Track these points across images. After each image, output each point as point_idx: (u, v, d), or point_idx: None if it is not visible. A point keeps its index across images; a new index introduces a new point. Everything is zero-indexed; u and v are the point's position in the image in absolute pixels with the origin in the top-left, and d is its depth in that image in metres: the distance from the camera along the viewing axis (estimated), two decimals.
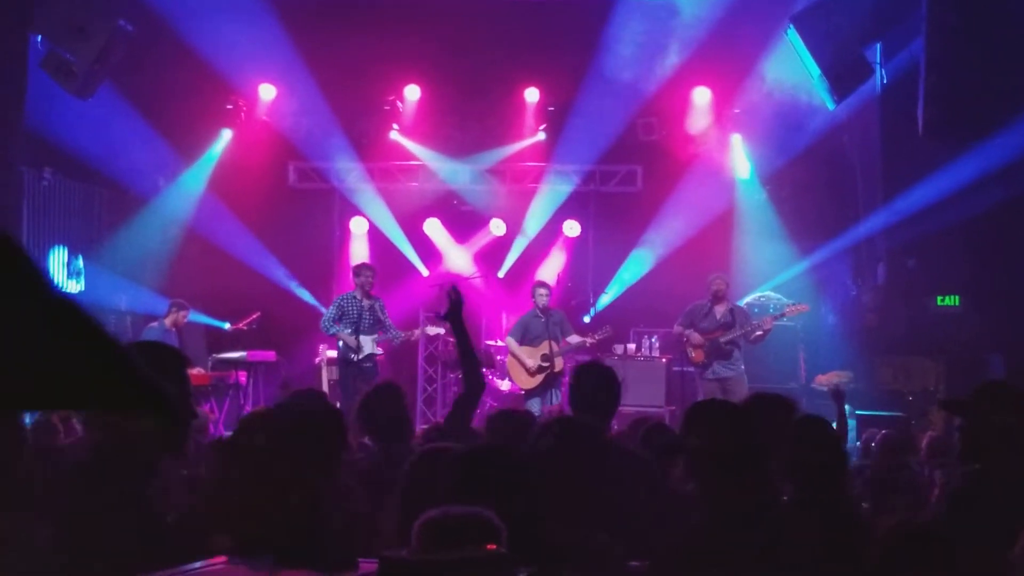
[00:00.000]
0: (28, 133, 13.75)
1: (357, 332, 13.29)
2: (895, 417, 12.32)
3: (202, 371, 14.18)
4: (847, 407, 12.78)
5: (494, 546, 3.02)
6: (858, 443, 10.22)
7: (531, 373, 13.60)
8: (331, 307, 13.75)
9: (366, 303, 13.50)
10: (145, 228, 15.94)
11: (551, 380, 13.49)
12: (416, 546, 3.07)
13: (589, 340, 13.64)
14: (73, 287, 15.11)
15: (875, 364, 14.41)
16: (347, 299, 13.65)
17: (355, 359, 13.28)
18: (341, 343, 13.51)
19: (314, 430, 4.61)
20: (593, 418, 5.57)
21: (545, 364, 13.52)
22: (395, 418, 6.25)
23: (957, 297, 13.77)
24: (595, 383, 5.96)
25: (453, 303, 6.51)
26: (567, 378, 14.86)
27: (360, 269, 13.79)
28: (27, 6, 13.18)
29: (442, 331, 14.68)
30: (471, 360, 6.39)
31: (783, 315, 13.57)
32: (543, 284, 13.95)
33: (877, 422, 11.45)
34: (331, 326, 13.46)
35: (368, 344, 13.38)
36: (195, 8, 14.64)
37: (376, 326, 13.53)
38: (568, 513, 4.21)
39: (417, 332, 14.44)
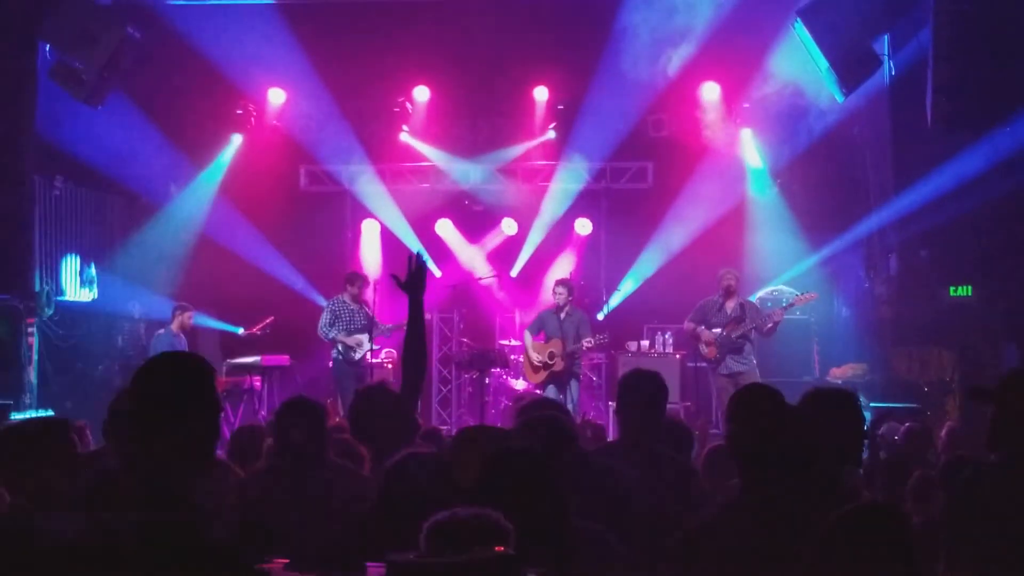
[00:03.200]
0: (39, 142, 13.83)
1: (351, 334, 13.93)
2: (911, 408, 12.27)
3: (217, 376, 14.17)
4: (861, 399, 12.85)
5: (502, 548, 3.03)
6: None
7: (535, 368, 13.77)
8: (324, 313, 14.11)
9: (355, 307, 14.10)
10: (157, 235, 15.98)
11: (554, 378, 13.56)
12: (424, 549, 3.08)
13: (587, 343, 13.66)
14: (86, 295, 15.16)
15: (889, 356, 14.37)
16: (337, 304, 14.23)
17: (356, 358, 13.89)
18: (339, 347, 13.85)
19: None
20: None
21: (550, 362, 13.63)
22: (392, 423, 5.82)
23: (970, 287, 13.71)
24: (647, 394, 5.88)
25: (413, 273, 6.18)
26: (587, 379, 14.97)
27: (353, 278, 14.30)
28: (35, 15, 13.23)
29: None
30: (417, 338, 6.16)
31: (792, 305, 13.60)
32: (562, 282, 14.07)
33: (893, 414, 11.40)
34: (329, 331, 13.88)
35: (364, 343, 13.86)
36: (203, 14, 14.67)
37: (366, 327, 13.92)
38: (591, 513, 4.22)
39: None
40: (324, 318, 14.13)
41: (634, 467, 5.37)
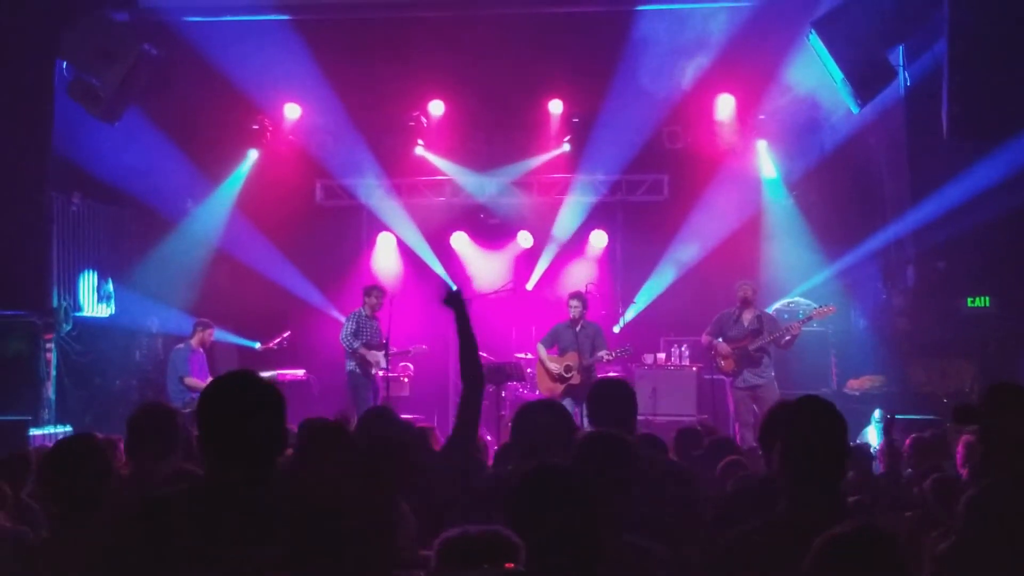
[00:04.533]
0: (57, 158, 13.91)
1: (374, 347, 14.03)
2: (930, 420, 12.22)
3: None
4: (879, 411, 12.82)
5: (512, 564, 3.03)
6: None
7: (552, 380, 13.77)
8: (348, 322, 14.21)
9: (373, 322, 14.15)
10: (174, 250, 16.00)
11: (571, 391, 13.56)
12: (435, 565, 3.08)
13: (606, 355, 13.67)
14: (104, 310, 15.21)
15: (907, 367, 14.33)
16: (360, 317, 14.29)
17: (375, 373, 14.01)
18: (357, 359, 13.93)
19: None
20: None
21: (567, 375, 13.66)
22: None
23: (988, 298, 13.67)
24: (611, 399, 5.92)
25: (452, 293, 6.40)
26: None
27: (372, 290, 14.33)
28: (53, 33, 13.31)
29: (424, 348, 14.86)
30: (471, 349, 6.21)
31: (811, 318, 13.57)
32: (576, 295, 14.08)
33: (912, 426, 11.35)
34: (352, 340, 13.92)
35: (382, 361, 14.01)
36: (219, 30, 14.71)
37: (381, 344, 14.01)
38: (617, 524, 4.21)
39: (415, 349, 14.78)
40: (349, 327, 14.17)
41: None
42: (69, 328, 14.07)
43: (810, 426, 3.95)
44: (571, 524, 3.62)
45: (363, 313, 14.25)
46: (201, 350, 14.27)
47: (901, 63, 13.60)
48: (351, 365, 14.13)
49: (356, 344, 14.02)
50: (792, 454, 4.01)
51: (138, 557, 3.33)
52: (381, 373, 14.03)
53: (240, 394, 3.46)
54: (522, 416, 5.51)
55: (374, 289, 14.45)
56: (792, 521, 3.91)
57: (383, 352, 13.94)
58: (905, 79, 13.73)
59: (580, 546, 3.62)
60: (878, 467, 8.63)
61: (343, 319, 15.90)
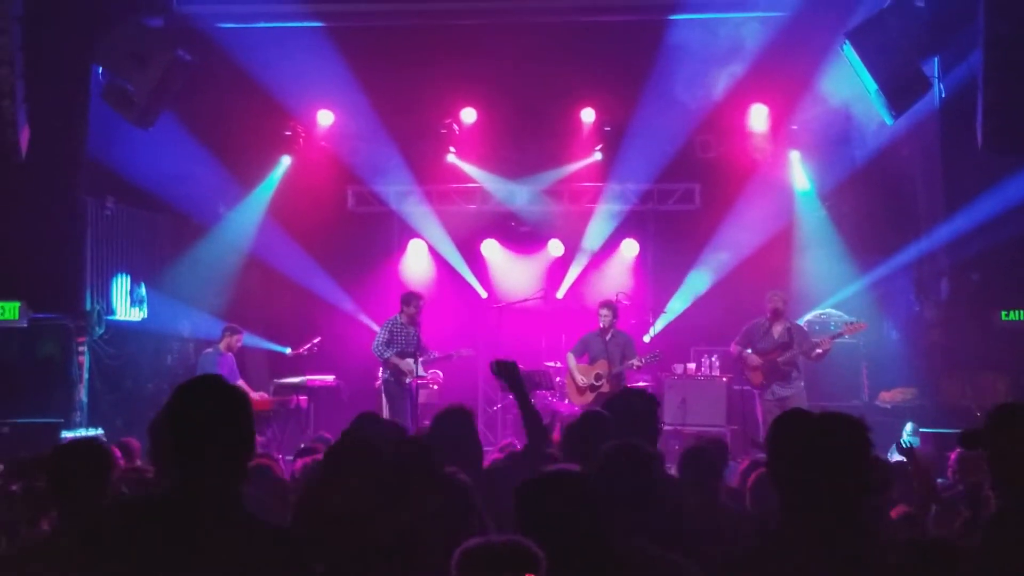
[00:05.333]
0: (91, 163, 14.00)
1: (407, 356, 13.92)
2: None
3: (264, 396, 14.32)
4: (911, 424, 12.73)
5: (532, 575, 3.03)
6: None
7: (580, 390, 13.76)
8: (382, 332, 14.17)
9: (411, 330, 14.07)
10: (207, 255, 16.08)
11: (601, 400, 13.52)
12: (455, 575, 3.08)
13: (636, 362, 13.66)
14: (136, 314, 15.29)
15: (941, 380, 14.21)
16: (395, 324, 14.20)
17: (407, 382, 13.85)
18: (390, 368, 13.92)
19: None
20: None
21: (596, 383, 13.68)
22: (464, 441, 6.11)
23: (1022, 311, 13.55)
24: (632, 412, 5.91)
25: (505, 371, 6.42)
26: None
27: (410, 298, 14.22)
28: (88, 38, 13.41)
29: (470, 351, 14.83)
30: (530, 419, 6.35)
31: (841, 334, 13.48)
32: (606, 304, 14.08)
33: (944, 439, 11.26)
34: (385, 350, 13.88)
35: (417, 369, 13.95)
36: (252, 36, 14.81)
37: (419, 350, 14.00)
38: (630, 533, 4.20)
39: (455, 354, 14.63)
40: (381, 336, 14.17)
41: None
42: (102, 331, 14.16)
43: (829, 450, 3.83)
44: (576, 529, 3.63)
45: (399, 321, 14.21)
46: (230, 354, 14.38)
47: (936, 74, 13.51)
48: (385, 374, 14.12)
49: (388, 353, 14.00)
50: (772, 467, 3.97)
51: (95, 563, 3.41)
52: (412, 381, 14.01)
53: (202, 401, 3.52)
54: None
55: (412, 297, 14.36)
56: (787, 533, 3.87)
57: (419, 359, 13.95)
58: (940, 90, 13.65)
59: (587, 552, 3.62)
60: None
61: (374, 325, 15.99)
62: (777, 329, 13.38)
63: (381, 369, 14.23)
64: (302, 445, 9.74)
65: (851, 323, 13.68)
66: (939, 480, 8.02)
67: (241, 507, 3.45)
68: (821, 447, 3.82)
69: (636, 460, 4.82)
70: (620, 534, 4.02)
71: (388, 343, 14.08)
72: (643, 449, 4.99)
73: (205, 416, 3.46)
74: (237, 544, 3.36)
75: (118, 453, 7.16)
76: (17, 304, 12.97)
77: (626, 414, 5.94)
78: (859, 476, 3.80)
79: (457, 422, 6.23)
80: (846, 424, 3.87)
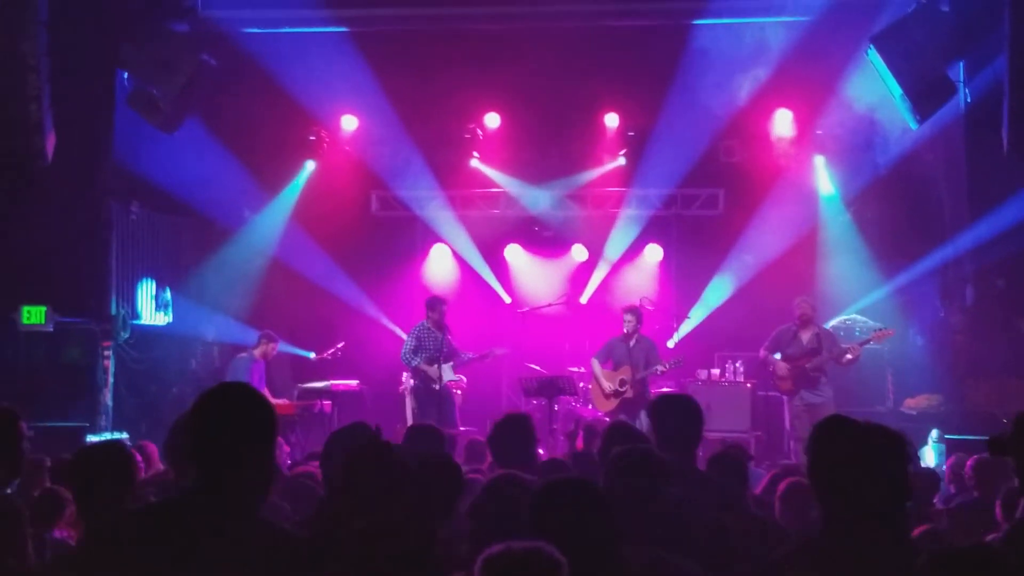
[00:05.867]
0: (116, 168, 14.08)
1: (437, 361, 13.77)
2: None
3: (287, 401, 14.35)
4: (935, 431, 12.67)
5: None
6: (943, 467, 9.90)
7: (606, 396, 13.75)
8: (409, 339, 14.18)
9: (439, 334, 14.02)
10: (231, 259, 16.12)
11: (626, 406, 13.53)
12: None
13: (660, 367, 13.66)
14: (161, 319, 15.35)
15: (966, 386, 14.14)
16: (423, 330, 14.20)
17: (436, 388, 13.72)
18: (419, 375, 13.95)
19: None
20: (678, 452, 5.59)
21: (621, 389, 13.66)
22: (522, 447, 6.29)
23: None
24: (677, 417, 5.88)
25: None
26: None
27: (434, 303, 14.20)
28: (113, 43, 13.48)
29: (506, 351, 14.79)
30: None
31: (869, 341, 13.44)
32: (630, 309, 14.07)
33: (970, 446, 11.18)
34: (412, 358, 13.90)
35: (447, 372, 13.89)
36: (277, 41, 14.87)
37: (450, 354, 14.01)
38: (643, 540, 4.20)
39: (488, 353, 14.58)
40: (408, 344, 14.18)
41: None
42: (127, 336, 14.22)
43: (874, 464, 3.82)
44: (584, 535, 3.63)
45: (426, 326, 14.20)
46: (262, 361, 14.38)
47: (961, 79, 13.45)
48: (414, 381, 14.13)
49: (415, 361, 13.99)
50: (811, 473, 3.95)
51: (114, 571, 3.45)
52: (447, 384, 14.03)
53: (227, 408, 3.55)
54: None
55: (436, 301, 14.34)
56: (824, 541, 3.84)
57: (449, 363, 14.02)
58: (965, 95, 13.58)
59: (594, 558, 3.62)
60: (947, 489, 8.46)
61: (397, 330, 16.05)
62: (806, 335, 13.34)
63: (407, 375, 14.22)
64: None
65: (879, 330, 13.65)
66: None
67: (258, 514, 3.48)
68: (866, 453, 3.80)
69: (642, 465, 4.81)
70: (631, 541, 4.02)
71: (415, 350, 14.06)
72: (651, 455, 4.99)
73: (228, 423, 3.48)
74: (251, 550, 3.38)
75: (138, 457, 7.19)
76: (43, 308, 13.04)
77: (671, 417, 5.90)
78: (903, 483, 3.79)
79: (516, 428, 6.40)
80: (888, 432, 3.86)
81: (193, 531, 3.38)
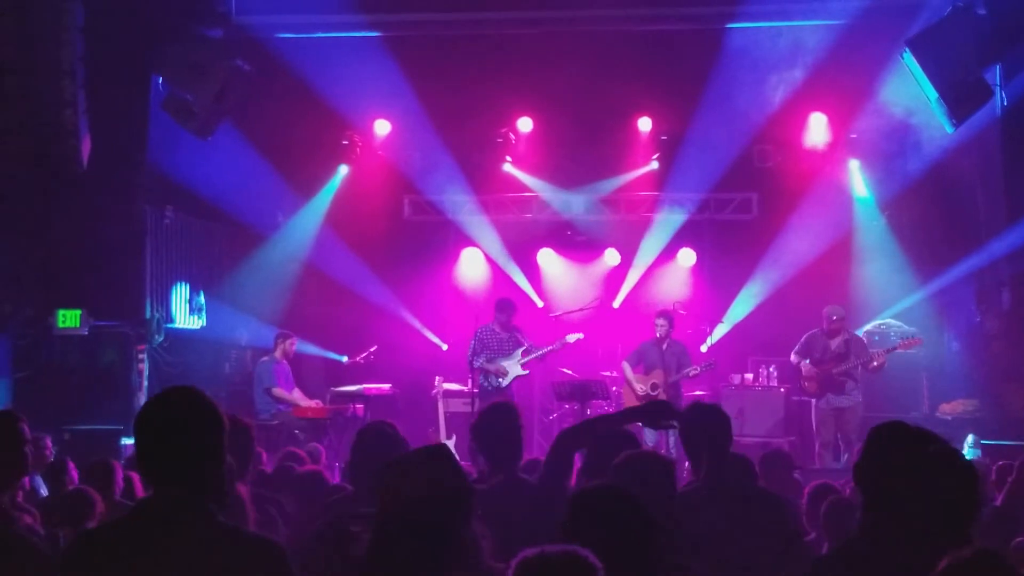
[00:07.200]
0: (151, 172, 14.16)
1: (497, 359, 14.09)
2: None
3: (320, 404, 14.40)
4: (971, 436, 12.56)
5: None
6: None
7: (639, 399, 13.72)
8: (473, 342, 14.30)
9: (504, 335, 14.28)
10: (265, 264, 16.21)
11: None
12: None
13: (692, 370, 13.67)
14: (195, 322, 15.43)
15: (1002, 392, 14.02)
16: (485, 331, 14.40)
17: (503, 385, 14.09)
18: (484, 374, 14.17)
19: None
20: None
21: (653, 392, 13.64)
22: (506, 439, 5.72)
23: None
24: (707, 426, 5.80)
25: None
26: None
27: (503, 304, 14.51)
28: (148, 49, 13.56)
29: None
30: (606, 423, 6.13)
31: (895, 349, 13.41)
32: (662, 314, 14.07)
33: (1006, 452, 11.09)
34: (474, 360, 14.08)
35: (513, 368, 14.17)
36: (310, 46, 14.92)
37: (516, 350, 14.19)
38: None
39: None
40: (472, 346, 14.33)
41: (722, 507, 5.31)
42: (161, 339, 14.29)
43: (951, 490, 3.76)
44: (615, 545, 3.61)
45: (491, 327, 14.39)
46: (285, 361, 14.49)
47: (998, 82, 13.36)
48: (481, 380, 14.19)
49: (477, 362, 14.12)
50: (859, 474, 3.91)
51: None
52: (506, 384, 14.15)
53: (163, 412, 3.54)
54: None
55: (504, 305, 14.53)
56: (863, 544, 3.80)
57: (513, 360, 14.18)
58: (1001, 99, 13.49)
59: (630, 568, 3.60)
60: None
61: (429, 334, 16.19)
62: (835, 341, 13.34)
63: (481, 378, 14.22)
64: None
65: (907, 338, 13.61)
66: None
67: (209, 517, 3.46)
68: (924, 468, 3.75)
69: (651, 472, 4.78)
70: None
71: (477, 352, 14.18)
72: (659, 460, 4.96)
73: (164, 426, 3.49)
74: (208, 555, 3.39)
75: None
76: (78, 312, 13.14)
77: (698, 429, 5.81)
78: (960, 511, 3.74)
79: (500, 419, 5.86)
80: (952, 453, 3.82)
81: (149, 541, 3.39)
